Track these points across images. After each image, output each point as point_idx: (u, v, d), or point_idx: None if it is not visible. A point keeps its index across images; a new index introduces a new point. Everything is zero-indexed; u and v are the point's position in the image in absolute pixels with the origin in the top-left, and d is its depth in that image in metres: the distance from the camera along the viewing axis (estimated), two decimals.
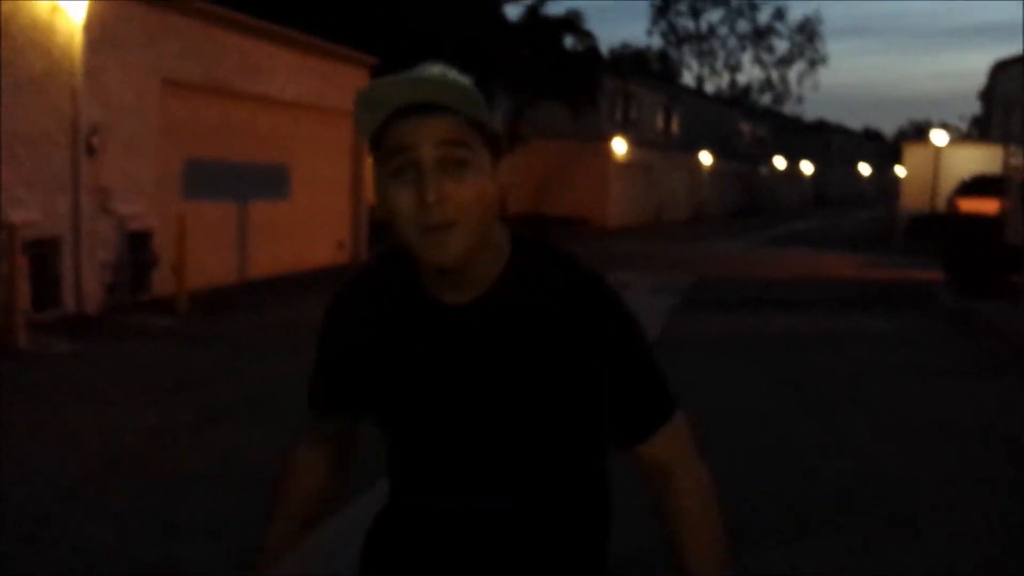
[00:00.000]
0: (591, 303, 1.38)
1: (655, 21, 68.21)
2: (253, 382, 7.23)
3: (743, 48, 71.09)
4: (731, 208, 47.51)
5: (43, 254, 9.77)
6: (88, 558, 3.92)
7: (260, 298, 11.98)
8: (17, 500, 4.51)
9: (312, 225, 15.42)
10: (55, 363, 7.86)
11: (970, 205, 13.96)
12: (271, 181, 14.37)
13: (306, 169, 15.15)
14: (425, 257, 1.32)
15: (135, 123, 11.28)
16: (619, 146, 32.64)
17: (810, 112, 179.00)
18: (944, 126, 50.45)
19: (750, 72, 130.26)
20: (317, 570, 1.60)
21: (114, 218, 10.91)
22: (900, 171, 30.64)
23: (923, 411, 6.80)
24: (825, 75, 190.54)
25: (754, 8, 70.71)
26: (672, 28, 67.95)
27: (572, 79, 27.55)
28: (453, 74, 1.32)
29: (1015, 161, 18.29)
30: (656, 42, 78.94)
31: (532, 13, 28.37)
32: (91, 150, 10.42)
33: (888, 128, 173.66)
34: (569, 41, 29.10)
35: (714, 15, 74.56)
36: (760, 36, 70.62)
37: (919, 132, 76.61)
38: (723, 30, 70.48)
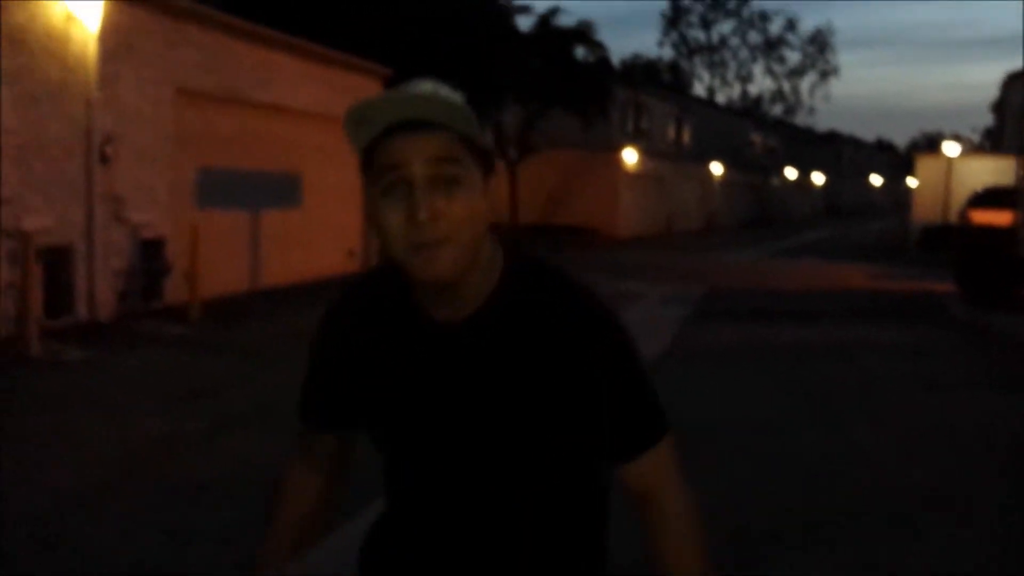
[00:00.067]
0: (584, 321, 1.37)
1: (666, 32, 68.23)
2: (265, 390, 7.25)
3: (754, 59, 71.17)
4: (742, 219, 47.45)
5: (56, 262, 9.82)
6: (99, 564, 3.93)
7: (272, 306, 12.01)
8: (29, 506, 4.53)
9: (323, 234, 15.46)
10: (67, 370, 7.90)
11: (982, 217, 13.87)
12: (283, 190, 14.43)
13: (318, 178, 15.20)
14: (416, 274, 1.31)
15: (149, 132, 11.35)
16: (630, 156, 32.65)
17: (822, 123, 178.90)
18: (956, 138, 50.32)
19: (761, 83, 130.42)
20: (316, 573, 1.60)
21: (127, 226, 10.96)
22: (912, 182, 30.56)
23: (934, 423, 6.77)
24: (837, 86, 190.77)
25: (765, 19, 70.82)
26: (683, 39, 68.10)
27: (583, 90, 27.59)
28: (444, 90, 1.32)
29: None
30: (667, 53, 79.02)
31: (543, 24, 28.44)
32: (105, 159, 10.49)
33: (900, 139, 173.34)
34: (580, 52, 29.15)
35: (725, 26, 74.49)
36: (771, 47, 70.71)
37: (931, 143, 76.38)
38: (734, 41, 70.61)
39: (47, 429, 5.96)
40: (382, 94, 1.31)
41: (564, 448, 1.40)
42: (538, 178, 30.60)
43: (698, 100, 53.31)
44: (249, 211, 13.71)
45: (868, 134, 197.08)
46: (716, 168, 43.29)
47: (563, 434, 1.38)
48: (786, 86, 73.45)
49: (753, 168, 50.95)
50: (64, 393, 7.04)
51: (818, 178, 63.10)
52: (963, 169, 25.34)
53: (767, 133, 58.80)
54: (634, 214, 33.94)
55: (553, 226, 30.07)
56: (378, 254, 17.54)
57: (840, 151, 72.14)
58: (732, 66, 70.12)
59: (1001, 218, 13.48)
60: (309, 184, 15.05)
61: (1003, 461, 5.90)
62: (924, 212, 25.93)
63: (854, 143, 79.41)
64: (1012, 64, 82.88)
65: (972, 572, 4.09)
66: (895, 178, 78.07)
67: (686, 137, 43.64)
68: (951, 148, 27.18)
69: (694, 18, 68.01)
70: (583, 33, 28.88)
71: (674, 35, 67.96)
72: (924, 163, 27.71)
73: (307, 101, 14.94)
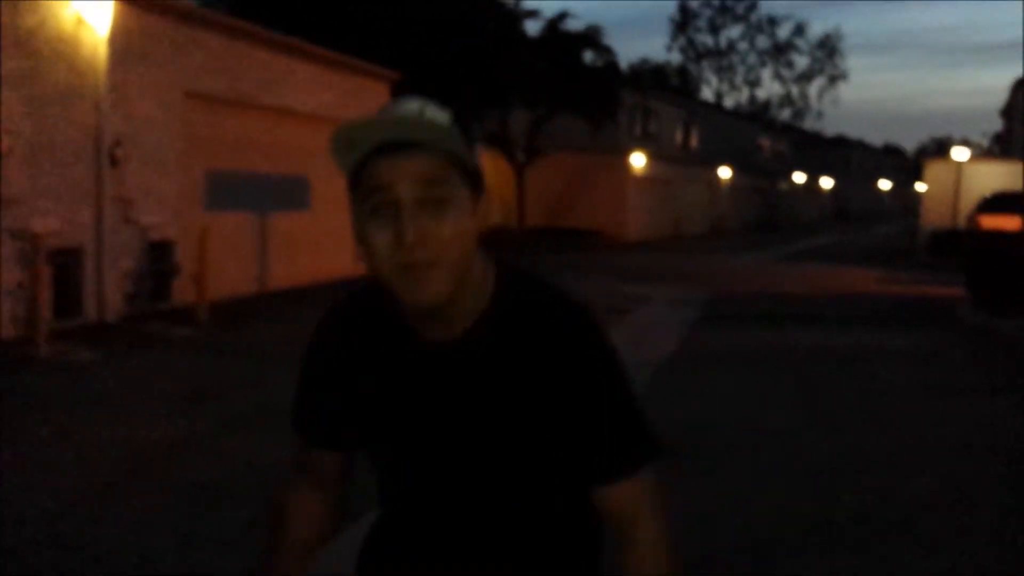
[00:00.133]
0: (574, 343, 1.36)
1: (674, 37, 68.19)
2: (272, 392, 7.24)
3: (763, 64, 71.03)
4: (750, 223, 47.40)
5: (65, 263, 9.86)
6: (104, 564, 3.94)
7: (280, 309, 12.03)
8: (36, 507, 4.54)
9: (331, 237, 15.48)
10: (75, 371, 7.92)
11: (991, 222, 13.81)
12: (291, 193, 14.46)
13: (325, 181, 15.21)
14: (405, 298, 1.30)
15: (158, 135, 11.39)
16: (638, 160, 32.65)
17: (830, 127, 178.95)
18: (965, 143, 50.24)
19: (770, 88, 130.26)
20: None
21: (136, 228, 11.01)
22: (921, 187, 30.50)
23: (943, 429, 6.74)
24: (846, 91, 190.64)
25: (774, 24, 70.68)
26: (691, 44, 68.02)
27: (591, 94, 27.62)
28: (431, 111, 1.30)
29: None
30: (675, 58, 79.00)
31: (552, 28, 28.48)
32: (114, 161, 10.53)
33: (909, 144, 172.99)
34: (588, 56, 29.19)
35: (734, 31, 74.48)
36: (780, 52, 70.59)
37: (940, 148, 76.25)
38: (743, 46, 70.50)
39: (55, 429, 5.97)
40: (368, 116, 1.29)
41: (557, 468, 1.39)
42: (546, 181, 30.62)
43: (706, 104, 53.27)
44: (257, 214, 13.74)
45: (877, 139, 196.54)
46: (724, 172, 43.25)
47: (555, 454, 1.38)
48: (794, 91, 73.40)
49: (761, 172, 50.88)
50: (72, 394, 7.06)
51: (826, 182, 62.99)
52: (972, 174, 25.28)
53: (775, 137, 58.73)
54: (642, 218, 33.93)
55: (560, 229, 30.09)
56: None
57: (849, 155, 72.01)
58: (740, 71, 70.10)
59: (1010, 223, 13.43)
60: (317, 187, 15.08)
61: (1009, 466, 5.87)
62: (933, 217, 25.87)
63: (863, 147, 79.27)
64: (1021, 69, 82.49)
65: None
66: (904, 183, 77.96)
67: (694, 141, 43.62)
68: (960, 153, 27.11)
69: (702, 23, 68.02)
70: (591, 37, 28.91)
71: (682, 39, 67.97)
72: (933, 168, 27.65)
73: (315, 104, 14.97)
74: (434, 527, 1.45)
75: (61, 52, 9.81)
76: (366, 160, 1.28)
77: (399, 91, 17.78)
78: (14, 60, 9.18)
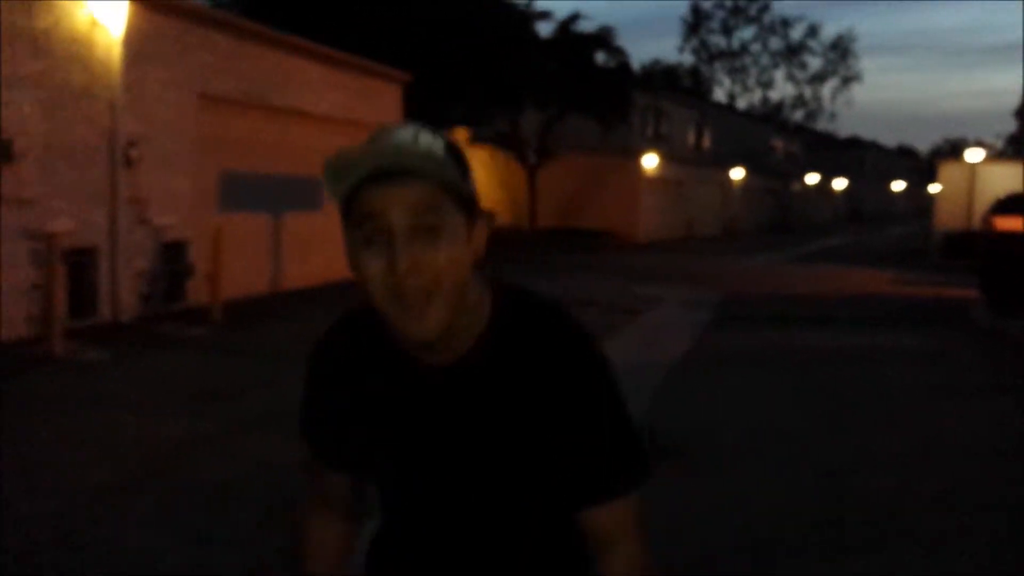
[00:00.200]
0: (571, 368, 1.36)
1: (687, 38, 68.04)
2: (285, 392, 7.25)
3: (776, 65, 70.81)
4: (763, 224, 47.27)
5: (80, 263, 9.92)
6: (115, 564, 3.97)
7: (293, 308, 12.07)
8: (49, 506, 4.58)
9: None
10: (89, 370, 7.97)
11: (1005, 223, 13.73)
12: (304, 193, 14.51)
13: None
14: (401, 330, 1.30)
15: (172, 136, 11.45)
16: (650, 161, 32.61)
17: (844, 129, 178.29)
18: (979, 144, 49.96)
19: (783, 89, 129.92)
20: None
21: (150, 229, 11.06)
22: (935, 188, 30.36)
23: (955, 430, 6.72)
24: (859, 92, 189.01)
25: (787, 25, 70.47)
26: (704, 45, 67.87)
27: (603, 95, 27.60)
28: (424, 138, 1.29)
29: None
30: (688, 59, 78.84)
31: (563, 30, 28.48)
32: (129, 162, 10.59)
33: (922, 145, 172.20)
34: (600, 57, 29.18)
35: (746, 32, 74.43)
36: (793, 53, 70.36)
37: (954, 149, 75.84)
38: (755, 47, 70.36)
39: (68, 429, 6.02)
40: (360, 145, 1.28)
41: (551, 488, 1.40)
42: (557, 182, 30.62)
43: (718, 105, 53.17)
44: (270, 214, 13.80)
45: (890, 140, 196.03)
46: (737, 173, 43.15)
47: (550, 475, 1.39)
48: (808, 92, 73.14)
49: (774, 173, 50.73)
50: (85, 393, 7.11)
51: (840, 184, 62.76)
52: (986, 175, 25.17)
53: (788, 138, 58.55)
54: (654, 218, 33.88)
55: (572, 230, 30.08)
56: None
57: (862, 157, 71.71)
58: (753, 72, 69.89)
59: None
60: None
61: (1019, 467, 5.85)
62: (947, 218, 25.77)
63: (876, 149, 78.93)
64: None
65: None
66: (917, 184, 77.57)
67: (706, 142, 43.54)
68: (974, 154, 26.98)
69: (715, 24, 67.89)
70: (603, 39, 28.90)
71: (695, 41, 67.84)
72: (947, 169, 27.53)
73: (328, 105, 15.02)
74: (432, 544, 1.47)
75: (75, 53, 9.87)
76: (359, 188, 1.26)
77: (410, 92, 17.82)
78: (29, 61, 9.24)
